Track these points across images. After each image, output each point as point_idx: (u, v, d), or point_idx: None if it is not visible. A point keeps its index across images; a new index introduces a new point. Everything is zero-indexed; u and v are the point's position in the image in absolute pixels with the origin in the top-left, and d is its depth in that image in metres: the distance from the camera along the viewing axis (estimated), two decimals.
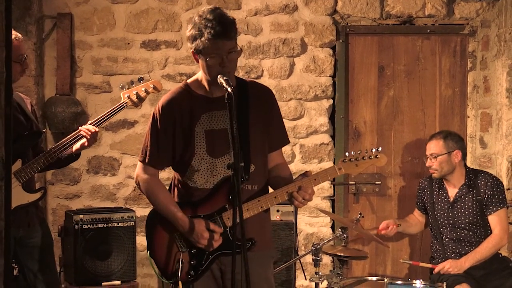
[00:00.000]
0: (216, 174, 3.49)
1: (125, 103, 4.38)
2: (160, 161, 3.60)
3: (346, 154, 3.59)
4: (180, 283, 3.45)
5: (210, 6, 3.45)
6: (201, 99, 3.52)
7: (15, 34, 4.26)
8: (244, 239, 3.18)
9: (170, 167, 3.69)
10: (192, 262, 3.49)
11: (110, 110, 4.40)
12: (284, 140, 3.69)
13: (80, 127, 4.34)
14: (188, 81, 3.60)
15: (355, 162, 3.57)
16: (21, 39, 4.28)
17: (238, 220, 3.18)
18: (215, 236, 3.44)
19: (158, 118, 3.54)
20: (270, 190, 3.61)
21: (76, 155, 4.43)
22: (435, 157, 5.00)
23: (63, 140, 4.34)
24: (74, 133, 4.34)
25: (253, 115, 3.52)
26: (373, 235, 5.17)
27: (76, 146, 4.34)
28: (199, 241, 3.44)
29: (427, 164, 5.08)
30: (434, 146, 5.03)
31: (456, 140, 5.04)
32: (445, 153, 4.99)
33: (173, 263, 3.50)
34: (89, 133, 4.29)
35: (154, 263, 3.56)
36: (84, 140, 4.31)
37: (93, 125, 4.33)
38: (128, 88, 4.40)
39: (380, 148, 3.62)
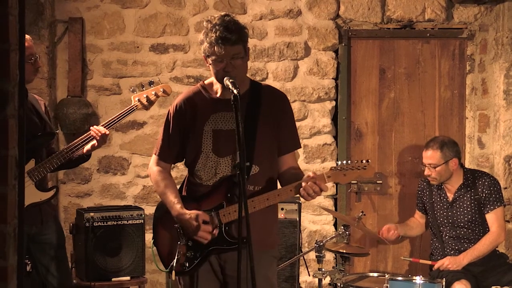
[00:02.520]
0: (219, 172, 3.57)
1: (135, 106, 4.42)
2: (170, 156, 3.71)
3: (338, 163, 3.61)
4: (173, 272, 3.54)
5: (222, 13, 3.57)
6: (212, 100, 3.61)
7: None
8: (249, 236, 3.21)
9: (183, 164, 3.79)
10: (188, 254, 3.55)
11: (121, 113, 4.46)
12: (295, 144, 3.73)
13: (91, 128, 4.40)
14: (205, 82, 3.70)
15: (343, 172, 3.58)
16: (28, 39, 4.29)
17: (239, 218, 3.26)
18: (209, 229, 3.49)
19: (171, 115, 3.66)
20: None
21: (86, 156, 4.48)
22: (434, 167, 5.03)
23: (74, 141, 4.40)
24: (85, 134, 4.40)
25: (264, 118, 3.59)
26: (374, 233, 5.27)
27: (87, 147, 4.39)
28: (192, 233, 3.49)
29: (425, 173, 5.09)
30: (432, 157, 5.04)
31: (451, 147, 5.05)
32: (443, 163, 5.02)
33: (171, 254, 3.58)
34: (99, 134, 4.34)
35: (156, 251, 3.66)
36: (94, 141, 4.37)
37: (104, 127, 4.38)
38: (138, 92, 4.43)
39: (369, 160, 3.64)
